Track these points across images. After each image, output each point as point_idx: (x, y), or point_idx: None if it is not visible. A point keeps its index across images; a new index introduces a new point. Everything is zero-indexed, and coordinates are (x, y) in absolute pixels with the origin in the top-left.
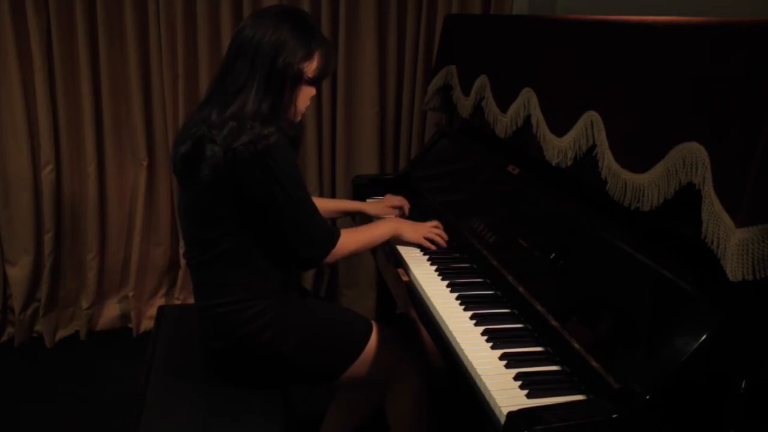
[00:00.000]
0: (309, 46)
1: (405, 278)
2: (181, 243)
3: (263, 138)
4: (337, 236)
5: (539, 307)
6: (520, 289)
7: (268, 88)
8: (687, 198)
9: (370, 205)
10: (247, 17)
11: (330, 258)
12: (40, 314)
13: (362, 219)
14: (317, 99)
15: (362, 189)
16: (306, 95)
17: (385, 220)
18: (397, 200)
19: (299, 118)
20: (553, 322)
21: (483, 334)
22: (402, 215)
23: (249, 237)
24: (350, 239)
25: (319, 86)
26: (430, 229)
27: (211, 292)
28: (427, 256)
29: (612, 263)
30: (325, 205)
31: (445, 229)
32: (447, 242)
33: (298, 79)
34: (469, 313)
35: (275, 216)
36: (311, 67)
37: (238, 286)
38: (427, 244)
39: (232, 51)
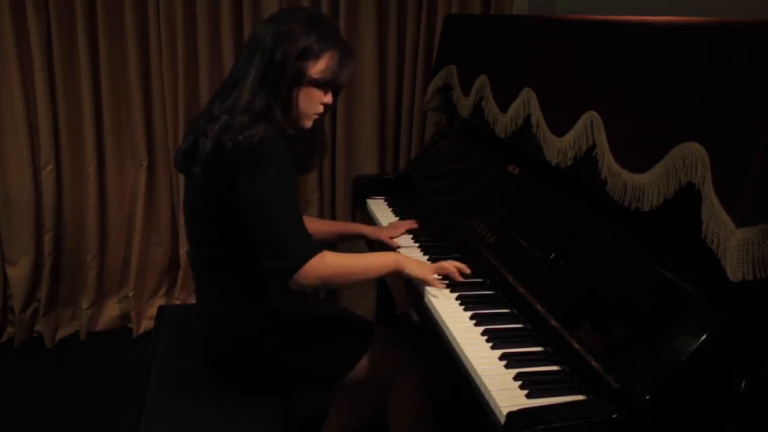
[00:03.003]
0: (316, 44)
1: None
2: (183, 242)
3: (251, 135)
4: (313, 253)
5: (539, 307)
6: (520, 289)
7: (264, 81)
8: (687, 198)
9: (371, 230)
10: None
11: (302, 277)
12: (40, 314)
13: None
14: None
15: (363, 189)
16: (310, 97)
17: (387, 252)
18: (404, 226)
19: (308, 124)
20: (553, 322)
21: (483, 334)
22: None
23: (241, 239)
24: (334, 262)
25: (333, 93)
26: (441, 267)
27: (210, 295)
28: (427, 256)
29: (612, 263)
30: (320, 226)
31: (445, 229)
32: (467, 276)
33: (299, 77)
34: (469, 313)
35: (250, 218)
36: (316, 68)
37: (236, 290)
38: (434, 282)
39: (245, 42)
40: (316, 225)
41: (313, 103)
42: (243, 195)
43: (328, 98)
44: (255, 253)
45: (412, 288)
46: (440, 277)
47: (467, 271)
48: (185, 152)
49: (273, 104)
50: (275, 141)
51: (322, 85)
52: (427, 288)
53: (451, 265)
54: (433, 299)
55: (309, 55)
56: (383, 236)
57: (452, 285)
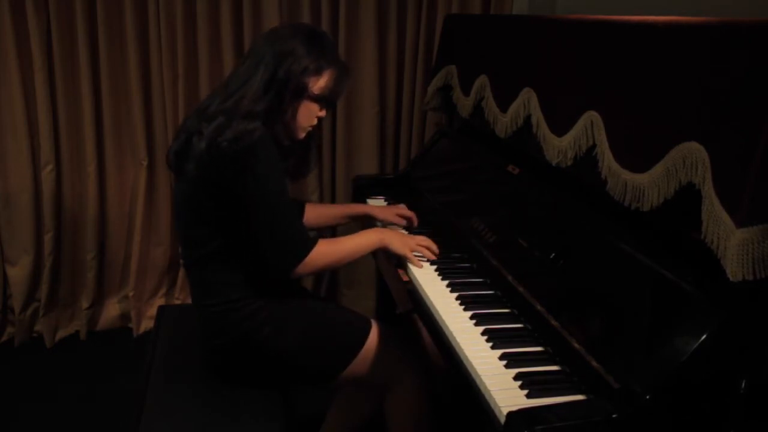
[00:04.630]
0: (318, 62)
1: (405, 278)
2: None
3: (247, 134)
4: (312, 245)
5: (539, 307)
6: (520, 289)
7: (266, 92)
8: (687, 198)
9: (378, 209)
10: (267, 31)
11: (303, 268)
12: (40, 314)
13: (369, 224)
14: None
15: (363, 189)
16: (309, 111)
17: (370, 230)
18: (408, 213)
19: (302, 135)
20: (553, 322)
21: (483, 334)
22: (410, 228)
23: (237, 236)
24: (328, 250)
25: (330, 108)
26: (419, 243)
27: (205, 293)
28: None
29: (612, 263)
30: (328, 211)
31: (445, 229)
32: (437, 255)
33: (301, 92)
34: (469, 313)
35: (248, 215)
36: (318, 84)
37: (230, 286)
38: (413, 259)
39: (245, 55)
40: (322, 210)
41: (310, 116)
42: (242, 194)
43: (322, 113)
44: (248, 249)
45: (413, 291)
46: (419, 254)
47: (435, 249)
48: (178, 151)
49: (273, 115)
50: (269, 142)
51: (321, 100)
52: (426, 289)
53: (415, 243)
54: (432, 298)
55: (310, 72)
56: (389, 217)
57: (452, 285)
